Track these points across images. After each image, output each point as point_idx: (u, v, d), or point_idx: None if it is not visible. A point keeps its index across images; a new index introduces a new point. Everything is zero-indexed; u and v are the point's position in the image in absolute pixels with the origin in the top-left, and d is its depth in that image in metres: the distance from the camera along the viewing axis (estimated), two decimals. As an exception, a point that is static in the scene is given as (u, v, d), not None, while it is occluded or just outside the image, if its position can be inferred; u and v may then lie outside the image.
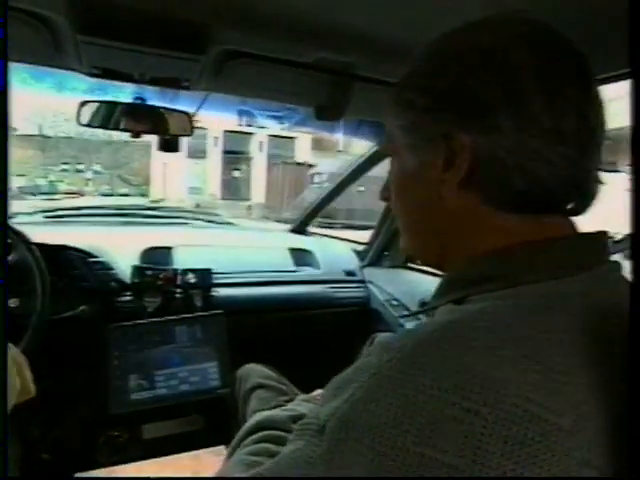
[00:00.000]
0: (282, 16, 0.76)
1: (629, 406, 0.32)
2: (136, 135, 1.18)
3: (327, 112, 1.10)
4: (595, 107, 0.40)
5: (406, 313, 1.47)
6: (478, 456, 0.29)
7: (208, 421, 1.36)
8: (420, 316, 1.46)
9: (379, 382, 0.33)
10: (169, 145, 1.33)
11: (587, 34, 0.67)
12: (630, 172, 0.33)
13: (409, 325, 1.45)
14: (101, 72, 0.92)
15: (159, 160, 13.95)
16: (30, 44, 0.85)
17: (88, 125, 1.14)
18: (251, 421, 0.83)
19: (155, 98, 1.17)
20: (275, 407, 0.96)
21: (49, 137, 13.78)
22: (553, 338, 0.34)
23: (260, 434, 0.77)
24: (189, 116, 1.16)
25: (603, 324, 0.36)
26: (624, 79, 0.71)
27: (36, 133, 13.54)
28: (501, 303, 0.36)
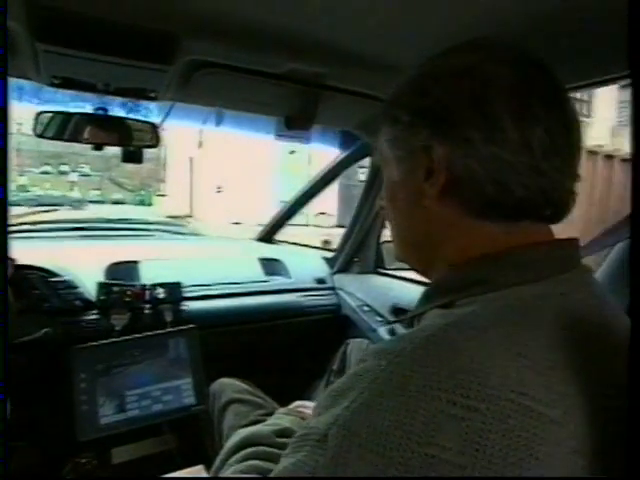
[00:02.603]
0: (253, 27, 0.76)
1: (629, 406, 0.34)
2: (98, 148, 1.13)
3: (297, 121, 1.10)
4: (564, 122, 0.42)
5: (396, 318, 1.48)
6: (479, 451, 0.30)
7: (181, 440, 1.31)
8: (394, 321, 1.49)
9: (380, 387, 0.34)
10: (132, 156, 1.29)
11: (587, 38, 0.69)
12: (632, 171, 0.34)
13: (382, 330, 1.47)
14: (61, 81, 0.88)
15: (178, 152, 10.83)
16: None
17: (45, 137, 1.08)
18: (234, 439, 0.81)
19: (117, 108, 1.13)
20: (254, 422, 0.94)
21: (27, 135, 12.08)
22: (539, 336, 0.36)
23: (245, 451, 0.76)
24: (154, 127, 1.13)
25: (582, 322, 0.39)
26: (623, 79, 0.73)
27: (14, 132, 12.09)
28: (489, 305, 0.39)
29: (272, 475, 0.39)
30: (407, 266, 0.55)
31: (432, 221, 0.46)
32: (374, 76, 0.93)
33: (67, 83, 0.88)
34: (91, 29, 0.75)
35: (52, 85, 0.88)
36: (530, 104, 0.41)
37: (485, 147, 0.40)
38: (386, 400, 0.33)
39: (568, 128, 0.43)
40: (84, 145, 1.12)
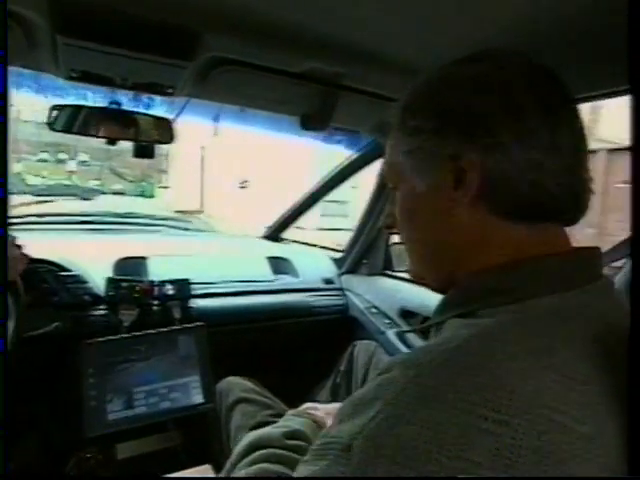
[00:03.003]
0: (273, 24, 0.75)
1: (629, 406, 0.34)
2: (111, 142, 1.12)
3: (313, 121, 1.09)
4: (580, 123, 0.45)
5: (405, 321, 1.47)
6: (509, 467, 0.30)
7: (186, 437, 1.30)
8: (402, 327, 1.49)
9: (407, 398, 0.33)
10: (144, 151, 1.28)
11: (587, 53, 0.71)
12: (630, 177, 0.36)
13: (390, 333, 1.46)
14: (80, 75, 0.87)
15: (188, 140, 9.26)
16: None
17: (61, 130, 1.07)
18: (243, 442, 0.81)
19: (130, 103, 1.12)
20: (262, 422, 0.94)
21: (26, 122, 11.41)
22: (568, 348, 0.36)
23: (255, 454, 0.75)
24: (169, 122, 1.12)
25: (608, 334, 0.38)
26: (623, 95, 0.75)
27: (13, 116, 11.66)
28: (516, 316, 0.38)
29: None
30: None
31: (459, 230, 0.45)
32: (393, 78, 0.92)
33: (85, 77, 0.87)
34: (113, 23, 0.74)
35: (70, 79, 0.87)
36: (555, 106, 0.42)
37: (517, 149, 0.41)
38: (414, 412, 0.32)
39: (583, 130, 0.44)
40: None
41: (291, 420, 0.89)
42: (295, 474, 0.39)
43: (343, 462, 0.34)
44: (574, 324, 0.38)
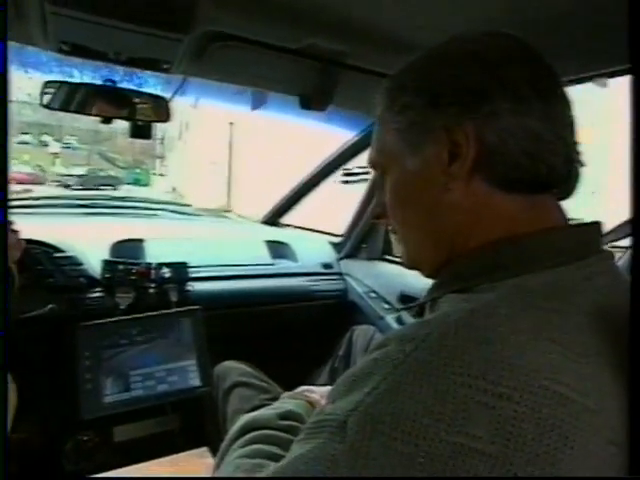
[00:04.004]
0: None
1: (630, 405, 0.34)
2: (107, 121, 1.09)
3: (313, 101, 1.06)
4: (568, 97, 0.45)
5: (404, 305, 1.46)
6: (510, 441, 0.29)
7: (184, 420, 1.30)
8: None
9: (405, 372, 0.33)
10: (141, 131, 1.25)
11: (587, 32, 0.69)
12: (630, 169, 0.35)
13: (389, 318, 1.45)
14: (70, 48, 0.84)
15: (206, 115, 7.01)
16: None
17: (52, 108, 1.05)
18: (237, 424, 0.80)
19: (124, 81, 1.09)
20: (258, 406, 0.94)
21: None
22: (569, 321, 0.35)
23: (249, 436, 0.75)
24: (166, 101, 1.09)
25: (609, 308, 0.38)
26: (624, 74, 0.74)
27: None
28: (513, 291, 0.38)
29: (286, 461, 0.38)
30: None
31: (455, 206, 0.44)
32: (395, 57, 0.90)
33: (77, 50, 0.84)
34: (104, -8, 0.71)
35: (61, 52, 0.84)
36: (546, 79, 0.43)
37: (512, 118, 0.41)
38: (412, 387, 0.32)
39: (571, 102, 0.45)
40: (72, 115, 1.07)
41: (286, 402, 0.88)
42: (289, 453, 0.38)
43: (338, 439, 0.33)
44: (574, 297, 0.37)
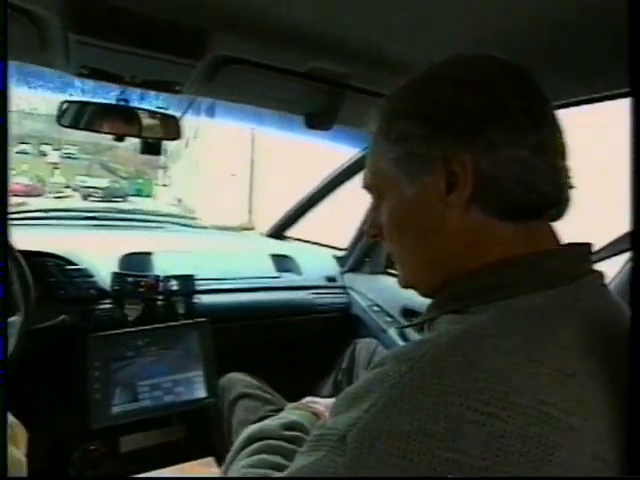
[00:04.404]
0: (279, 24, 0.76)
1: (629, 405, 0.35)
2: (119, 139, 1.14)
3: (318, 121, 1.10)
4: (559, 122, 0.46)
5: (406, 320, 1.48)
6: (499, 457, 0.31)
7: (190, 431, 1.32)
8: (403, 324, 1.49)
9: (401, 391, 0.35)
10: (151, 147, 1.30)
11: (586, 56, 0.72)
12: (630, 177, 0.36)
13: (392, 332, 1.47)
14: (89, 72, 0.89)
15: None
16: (14, 41, 0.81)
17: (69, 126, 1.09)
18: (243, 435, 0.82)
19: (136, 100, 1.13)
20: (263, 417, 0.95)
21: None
22: (557, 343, 0.37)
23: (254, 446, 0.76)
24: (176, 120, 1.13)
25: (598, 329, 0.39)
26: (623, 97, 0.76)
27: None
28: (504, 312, 0.39)
29: (289, 472, 0.40)
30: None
31: (452, 234, 0.45)
32: (396, 78, 0.93)
33: (95, 74, 0.88)
34: (124, 21, 0.75)
35: (80, 76, 0.88)
36: (537, 106, 0.44)
37: (507, 149, 0.42)
38: (407, 405, 0.34)
39: (562, 128, 0.46)
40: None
41: (291, 413, 0.90)
42: (293, 464, 0.40)
43: (338, 453, 0.35)
44: (565, 319, 0.39)
